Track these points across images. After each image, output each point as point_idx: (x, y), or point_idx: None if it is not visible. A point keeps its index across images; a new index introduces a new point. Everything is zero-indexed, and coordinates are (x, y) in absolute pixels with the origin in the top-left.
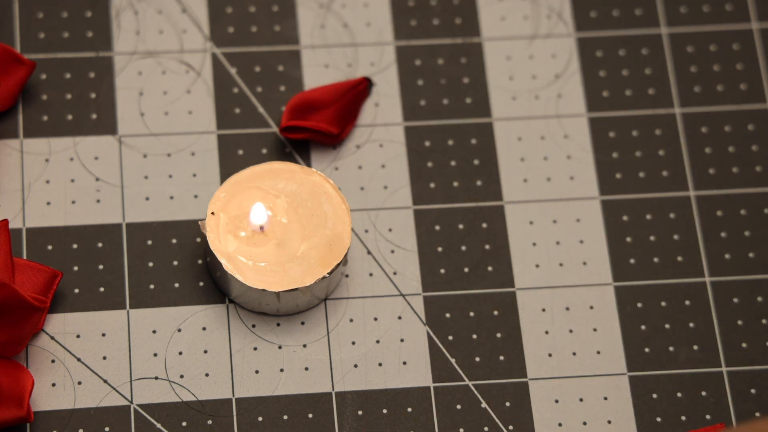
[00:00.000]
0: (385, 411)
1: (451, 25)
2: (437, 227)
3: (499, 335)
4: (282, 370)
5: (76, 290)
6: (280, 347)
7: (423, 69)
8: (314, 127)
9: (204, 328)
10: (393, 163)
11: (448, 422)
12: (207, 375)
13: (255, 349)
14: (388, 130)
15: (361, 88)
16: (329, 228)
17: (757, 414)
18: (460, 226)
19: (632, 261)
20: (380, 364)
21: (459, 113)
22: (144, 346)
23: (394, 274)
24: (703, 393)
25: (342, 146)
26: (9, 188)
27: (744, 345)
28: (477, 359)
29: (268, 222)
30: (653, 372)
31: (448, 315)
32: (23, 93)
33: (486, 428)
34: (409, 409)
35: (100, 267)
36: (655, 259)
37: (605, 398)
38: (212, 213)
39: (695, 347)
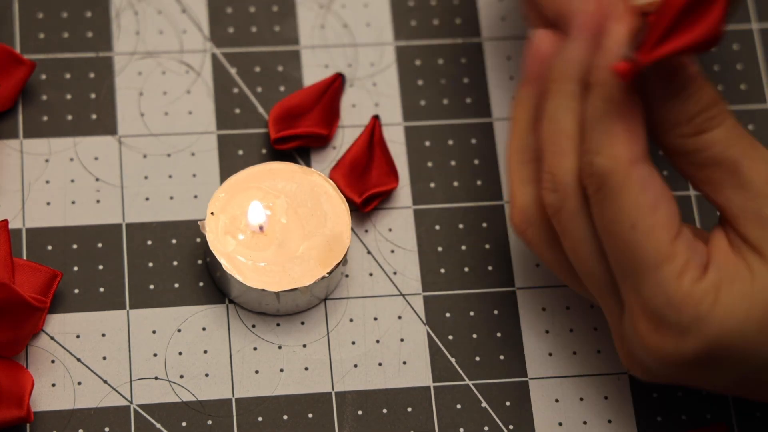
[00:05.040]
0: (385, 411)
1: (451, 25)
2: (437, 227)
3: (499, 335)
4: (282, 370)
5: (76, 290)
6: (280, 347)
7: (423, 69)
8: (305, 133)
9: (204, 329)
10: None
11: (448, 422)
12: (207, 375)
13: (255, 349)
14: (388, 130)
15: (337, 84)
16: (329, 228)
17: (757, 414)
18: (460, 226)
19: None
20: (380, 364)
21: (459, 113)
22: (144, 346)
23: (394, 273)
24: (703, 392)
25: (342, 146)
26: (9, 188)
27: None
28: (477, 359)
29: (268, 222)
30: None
31: (448, 315)
32: (23, 93)
33: (486, 428)
34: (409, 409)
35: (100, 267)
36: None
37: (605, 398)
38: (212, 213)
39: None
